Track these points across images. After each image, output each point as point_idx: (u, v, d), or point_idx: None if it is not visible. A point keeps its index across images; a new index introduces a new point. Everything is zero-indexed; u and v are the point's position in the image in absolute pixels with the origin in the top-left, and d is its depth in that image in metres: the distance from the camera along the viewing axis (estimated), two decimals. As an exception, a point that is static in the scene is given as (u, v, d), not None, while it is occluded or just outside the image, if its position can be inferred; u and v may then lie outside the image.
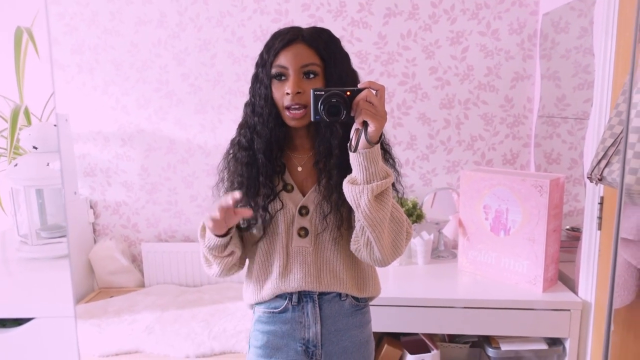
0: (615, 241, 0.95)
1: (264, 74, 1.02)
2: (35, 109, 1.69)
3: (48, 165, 1.56)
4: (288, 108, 1.00)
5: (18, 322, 1.33)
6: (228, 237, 1.03)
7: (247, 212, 0.98)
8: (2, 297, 1.44)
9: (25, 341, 1.33)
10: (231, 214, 0.96)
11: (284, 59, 0.99)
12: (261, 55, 1.04)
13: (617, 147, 1.13)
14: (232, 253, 1.07)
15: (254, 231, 1.09)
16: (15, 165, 1.61)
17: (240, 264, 1.13)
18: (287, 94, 0.99)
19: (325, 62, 1.01)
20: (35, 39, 1.41)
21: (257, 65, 1.05)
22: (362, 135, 0.90)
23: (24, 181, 1.58)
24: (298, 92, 0.98)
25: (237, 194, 0.94)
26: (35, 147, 1.59)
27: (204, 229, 1.07)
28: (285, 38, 1.00)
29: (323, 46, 1.01)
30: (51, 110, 1.62)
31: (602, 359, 0.94)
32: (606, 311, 0.93)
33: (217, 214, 0.94)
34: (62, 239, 1.58)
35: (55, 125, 1.60)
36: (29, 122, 1.67)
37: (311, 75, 1.00)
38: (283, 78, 1.01)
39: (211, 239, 1.03)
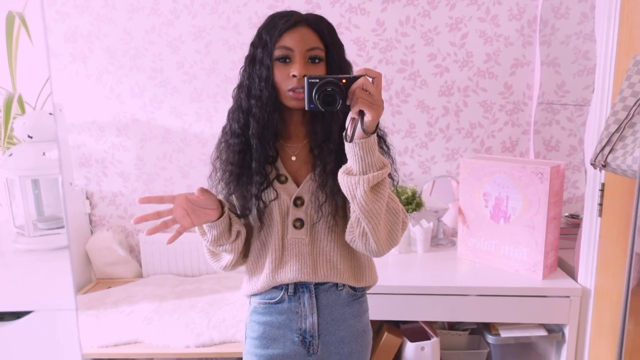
0: (633, 227, 0.94)
1: (265, 55, 0.98)
2: (29, 97, 1.65)
3: (44, 154, 1.53)
4: (292, 90, 0.97)
5: (16, 315, 1.32)
6: (224, 217, 1.01)
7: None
8: (0, 290, 1.42)
9: (25, 334, 1.32)
10: (196, 209, 0.96)
11: (290, 41, 0.96)
12: (259, 35, 1.00)
13: (622, 133, 1.12)
14: (238, 234, 1.05)
15: (250, 221, 1.08)
16: (10, 155, 1.58)
17: (246, 255, 1.12)
18: (294, 76, 0.95)
19: (327, 49, 0.99)
20: (27, 24, 1.37)
21: (255, 46, 1.01)
22: (358, 125, 0.87)
23: (20, 171, 1.54)
24: (305, 75, 0.96)
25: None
26: (30, 137, 1.56)
27: (200, 226, 1.04)
28: (290, 19, 0.97)
29: (326, 32, 0.99)
30: (46, 98, 1.58)
31: (617, 344, 0.94)
32: (623, 297, 0.92)
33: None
34: (59, 230, 1.56)
35: (51, 114, 1.56)
36: (23, 111, 1.64)
37: (317, 61, 0.97)
38: (288, 60, 0.97)
39: (211, 228, 1.01)
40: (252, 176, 1.02)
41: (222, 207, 1.02)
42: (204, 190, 0.98)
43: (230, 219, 1.03)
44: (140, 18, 2.07)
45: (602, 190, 1.46)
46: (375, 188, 0.92)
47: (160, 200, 0.96)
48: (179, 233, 0.96)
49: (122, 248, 2.14)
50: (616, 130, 1.13)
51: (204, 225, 1.02)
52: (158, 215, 0.95)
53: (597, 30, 1.52)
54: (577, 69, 1.88)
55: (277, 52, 0.97)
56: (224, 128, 1.07)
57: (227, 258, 1.09)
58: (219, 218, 1.00)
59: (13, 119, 1.51)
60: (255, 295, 1.11)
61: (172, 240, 0.95)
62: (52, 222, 1.58)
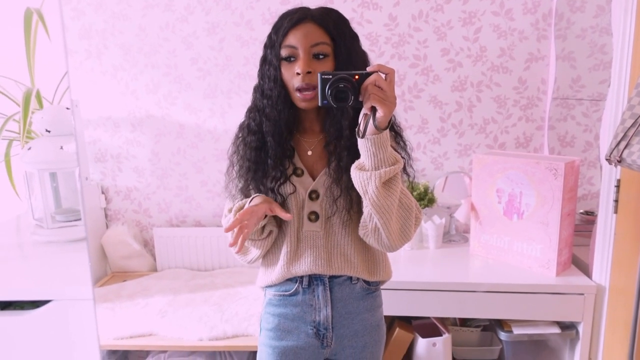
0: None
1: (273, 55, 1.00)
2: (47, 92, 1.69)
3: (62, 148, 1.56)
4: (299, 90, 0.98)
5: (35, 304, 1.35)
6: (266, 218, 1.03)
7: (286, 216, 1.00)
8: (20, 280, 1.46)
9: (43, 323, 1.35)
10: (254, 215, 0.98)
11: (294, 39, 0.97)
12: (269, 36, 1.02)
13: (638, 127, 1.10)
14: (270, 233, 1.07)
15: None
16: (29, 148, 1.61)
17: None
18: (298, 74, 0.97)
19: (335, 42, 0.99)
20: (45, 20, 1.39)
21: (266, 47, 1.04)
22: (370, 121, 0.88)
23: (38, 164, 1.58)
24: (308, 72, 0.97)
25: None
26: (48, 131, 1.59)
27: (238, 211, 1.04)
28: (294, 18, 0.98)
29: (332, 25, 0.99)
30: (63, 93, 1.61)
31: (629, 342, 0.93)
32: (635, 295, 0.91)
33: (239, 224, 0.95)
34: (76, 222, 1.59)
35: (68, 108, 1.59)
36: (41, 106, 1.67)
37: (321, 57, 0.98)
38: (292, 59, 0.98)
39: None
40: (267, 171, 1.04)
41: None
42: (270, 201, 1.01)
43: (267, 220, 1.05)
44: (155, 14, 2.09)
45: (617, 186, 1.44)
46: (387, 183, 0.93)
47: (240, 221, 0.96)
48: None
49: (136, 242, 2.18)
50: (632, 125, 1.12)
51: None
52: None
53: (613, 24, 1.50)
54: (593, 63, 1.85)
55: (283, 52, 0.99)
56: (242, 124, 1.09)
57: (254, 253, 1.10)
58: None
59: (32, 113, 1.55)
60: (270, 287, 1.12)
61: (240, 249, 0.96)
62: (69, 215, 1.61)
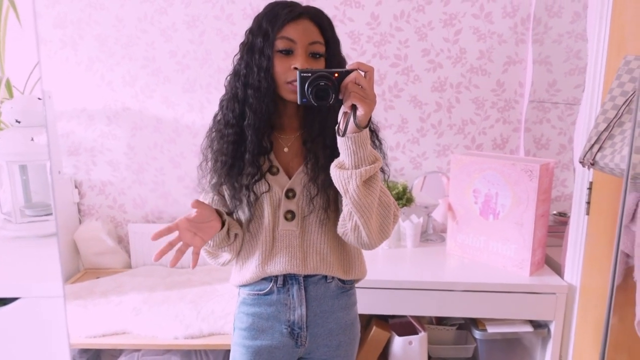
0: (619, 225, 0.95)
1: (266, 45, 0.96)
2: (17, 81, 1.63)
3: (32, 140, 1.51)
4: (291, 82, 0.96)
5: (3, 301, 1.30)
6: (225, 226, 1.02)
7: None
8: (-14, 277, 1.41)
9: (11, 321, 1.31)
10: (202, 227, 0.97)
11: (293, 32, 0.95)
12: (259, 23, 0.98)
13: (610, 131, 1.13)
14: (236, 236, 1.07)
15: (240, 215, 1.08)
16: (-3, 139, 1.56)
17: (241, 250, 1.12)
18: (295, 68, 0.94)
19: (327, 44, 0.99)
20: (17, 7, 1.34)
21: (253, 34, 0.99)
22: (351, 119, 0.87)
23: (7, 156, 1.52)
24: (295, 68, 0.95)
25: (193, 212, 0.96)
26: (18, 121, 1.53)
27: None
28: (293, 10, 0.96)
29: (327, 26, 0.99)
30: (34, 83, 1.55)
31: (602, 340, 0.95)
32: (608, 294, 0.94)
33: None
34: (47, 217, 1.54)
35: (39, 99, 1.54)
36: (11, 95, 1.61)
37: (317, 56, 0.97)
38: (290, 52, 0.96)
39: (213, 236, 1.02)
40: (243, 167, 1.01)
41: (221, 215, 1.03)
42: (199, 203, 0.97)
43: (228, 225, 1.04)
44: (133, 5, 2.04)
45: (590, 188, 1.47)
46: (367, 182, 0.92)
47: (168, 230, 0.95)
48: (196, 255, 0.98)
49: (110, 238, 2.13)
50: (605, 129, 1.14)
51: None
52: (171, 245, 0.96)
53: (588, 30, 1.53)
54: (569, 67, 1.89)
55: (279, 43, 0.96)
56: (216, 116, 1.06)
57: (225, 257, 1.10)
58: (222, 227, 1.01)
59: (0, 102, 1.49)
60: (244, 286, 1.11)
61: (195, 265, 0.97)
62: (39, 209, 1.56)
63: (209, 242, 1.03)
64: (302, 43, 0.95)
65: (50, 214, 1.55)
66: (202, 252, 1.10)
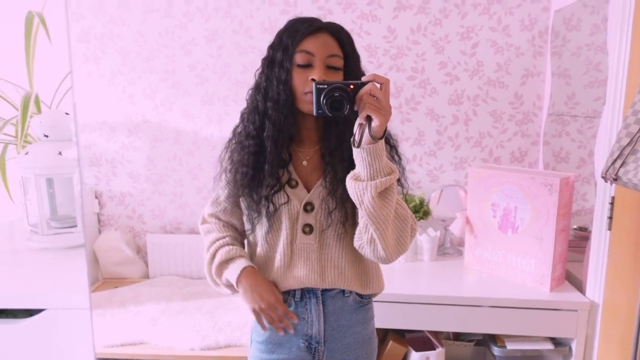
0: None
1: (285, 58, 0.98)
2: (45, 96, 1.67)
3: (60, 154, 1.54)
4: (308, 93, 0.97)
5: (29, 312, 1.32)
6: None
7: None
8: (13, 287, 1.43)
9: (37, 332, 1.33)
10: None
11: (312, 45, 0.97)
12: (280, 38, 1.00)
13: (634, 146, 1.11)
14: None
15: (256, 228, 1.08)
16: (26, 153, 1.59)
17: None
18: (312, 80, 0.96)
19: (346, 57, 1.00)
20: (47, 24, 1.38)
21: (274, 48, 1.01)
22: (366, 130, 0.88)
23: (35, 170, 1.56)
24: (312, 79, 0.96)
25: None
26: (46, 135, 1.58)
27: (221, 265, 1.08)
28: (312, 25, 0.98)
29: (347, 40, 1.00)
30: (61, 98, 1.60)
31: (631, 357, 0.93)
32: (637, 311, 0.92)
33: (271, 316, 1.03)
34: (72, 229, 1.57)
35: (67, 113, 1.58)
36: (39, 110, 1.66)
37: (335, 69, 0.98)
38: (309, 66, 0.97)
39: (227, 282, 1.08)
40: (263, 178, 1.02)
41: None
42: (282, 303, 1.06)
43: None
44: (154, 20, 2.09)
45: (612, 203, 1.45)
46: (383, 194, 0.92)
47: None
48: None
49: (129, 248, 2.16)
50: (628, 144, 1.13)
51: (224, 278, 1.08)
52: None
53: (609, 42, 1.52)
54: (588, 80, 1.87)
55: (298, 56, 0.97)
56: (236, 129, 1.08)
57: (225, 291, 1.14)
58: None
59: (30, 117, 1.53)
60: None
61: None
62: (65, 221, 1.59)
63: (223, 283, 1.10)
64: (320, 56, 0.97)
65: (75, 225, 1.58)
66: (207, 278, 1.14)
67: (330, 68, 0.98)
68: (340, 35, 0.99)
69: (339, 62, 0.99)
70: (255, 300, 1.02)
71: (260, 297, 1.02)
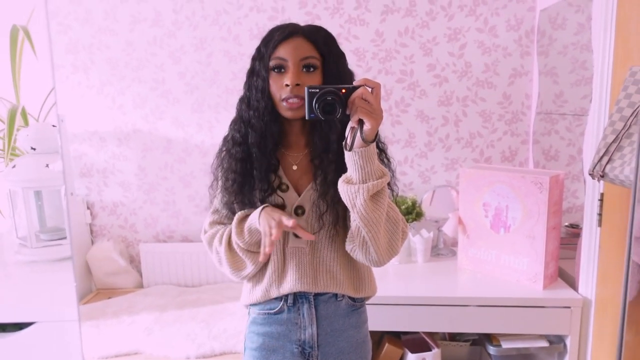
0: (629, 237, 0.94)
1: (261, 67, 1.00)
2: (32, 109, 1.67)
3: (47, 166, 1.54)
4: (285, 100, 0.98)
5: (19, 326, 1.32)
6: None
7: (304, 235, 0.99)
8: (2, 301, 1.42)
9: (27, 346, 1.32)
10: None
11: (284, 51, 0.98)
12: (258, 49, 1.03)
13: (619, 143, 1.13)
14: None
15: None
16: (14, 166, 1.59)
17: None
18: (286, 85, 0.97)
19: (323, 58, 1.00)
20: (32, 37, 1.39)
21: (254, 59, 1.04)
22: (358, 134, 0.89)
23: (23, 182, 1.56)
24: (297, 84, 0.97)
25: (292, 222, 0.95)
26: (33, 148, 1.57)
27: (241, 222, 1.03)
28: (285, 31, 0.99)
29: (322, 41, 1.00)
30: (48, 110, 1.60)
31: (616, 354, 0.94)
32: (620, 307, 0.92)
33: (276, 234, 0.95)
34: (61, 241, 1.56)
35: (54, 126, 1.58)
36: (26, 123, 1.66)
37: (311, 69, 0.99)
38: (282, 70, 0.99)
39: (257, 231, 1.00)
40: (254, 184, 1.03)
41: None
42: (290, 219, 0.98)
43: None
44: (142, 29, 2.09)
45: (601, 200, 1.46)
46: (374, 197, 0.93)
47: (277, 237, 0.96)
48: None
49: (122, 258, 2.14)
50: (614, 141, 1.14)
51: (246, 228, 1.02)
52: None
53: (593, 41, 1.54)
54: (575, 78, 1.89)
55: (272, 63, 0.99)
56: (226, 137, 1.09)
57: (249, 269, 1.06)
58: None
59: (17, 130, 1.53)
60: (254, 305, 1.11)
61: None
62: (54, 233, 1.59)
63: (246, 237, 1.02)
64: (293, 60, 0.98)
65: (64, 237, 1.57)
66: (225, 260, 1.06)
67: (305, 70, 0.99)
68: (314, 37, 1.00)
69: (314, 62, 0.99)
70: (266, 219, 0.97)
71: (271, 217, 0.97)
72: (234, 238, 1.03)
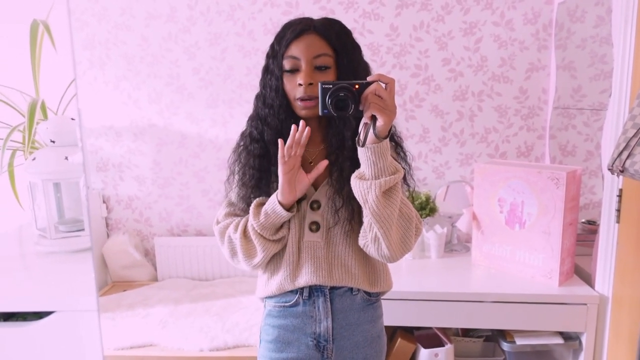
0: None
1: (275, 66, 1.01)
2: (51, 103, 1.70)
3: (66, 158, 1.57)
4: (300, 99, 0.99)
5: (38, 315, 1.34)
6: (292, 213, 1.01)
7: (323, 164, 0.99)
8: (22, 291, 1.45)
9: (46, 334, 1.34)
10: (301, 176, 0.99)
11: (296, 50, 0.98)
12: (272, 46, 1.03)
13: (640, 138, 1.10)
14: (281, 239, 1.05)
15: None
16: (34, 159, 1.62)
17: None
18: (300, 85, 0.98)
19: (337, 53, 1.00)
20: (51, 31, 1.41)
21: (268, 56, 1.04)
22: (371, 130, 0.89)
23: (43, 175, 1.59)
24: (310, 84, 0.97)
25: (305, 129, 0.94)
26: (52, 141, 1.60)
27: (258, 206, 1.03)
28: (297, 28, 0.99)
29: (335, 36, 1.00)
30: (67, 104, 1.62)
31: (636, 352, 0.92)
32: (639, 304, 0.91)
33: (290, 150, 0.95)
34: (79, 232, 1.59)
35: (73, 119, 1.60)
36: (46, 116, 1.68)
37: (323, 68, 0.99)
38: (295, 71, 0.99)
39: (273, 213, 1.00)
40: (271, 179, 1.04)
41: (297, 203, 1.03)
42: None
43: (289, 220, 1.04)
44: (158, 25, 2.11)
45: (619, 196, 1.44)
46: (387, 193, 0.93)
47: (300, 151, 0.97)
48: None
49: (137, 251, 2.17)
50: (634, 135, 1.12)
51: (263, 210, 1.01)
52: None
53: (614, 34, 1.51)
54: (594, 72, 1.85)
55: (286, 63, 0.99)
56: (243, 133, 1.10)
57: (260, 256, 1.04)
58: (290, 209, 1.01)
59: (36, 124, 1.55)
60: (270, 297, 1.11)
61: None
62: (72, 225, 1.61)
63: (261, 219, 1.01)
64: (306, 59, 0.98)
65: (82, 229, 1.60)
66: (239, 247, 1.05)
67: (318, 68, 0.98)
68: (327, 33, 0.99)
69: (327, 61, 0.99)
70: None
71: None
72: (250, 219, 1.03)
